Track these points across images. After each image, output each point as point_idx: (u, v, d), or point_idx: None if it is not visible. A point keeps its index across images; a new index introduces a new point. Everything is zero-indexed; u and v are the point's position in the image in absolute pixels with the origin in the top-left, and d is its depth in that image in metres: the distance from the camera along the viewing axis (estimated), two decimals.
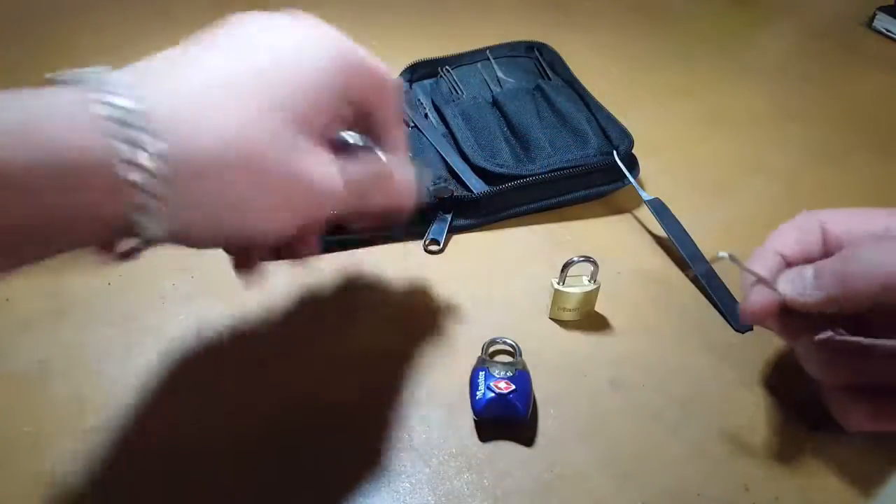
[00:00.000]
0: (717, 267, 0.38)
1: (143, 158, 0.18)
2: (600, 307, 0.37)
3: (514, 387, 0.30)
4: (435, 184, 0.44)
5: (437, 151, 0.46)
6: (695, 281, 0.39)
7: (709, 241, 0.40)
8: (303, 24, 0.25)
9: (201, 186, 0.20)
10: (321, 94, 0.24)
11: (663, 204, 0.42)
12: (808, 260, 0.29)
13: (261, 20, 0.24)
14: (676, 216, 0.41)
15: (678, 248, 0.40)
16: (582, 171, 0.44)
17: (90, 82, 0.19)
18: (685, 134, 0.53)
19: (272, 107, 0.22)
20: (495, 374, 0.31)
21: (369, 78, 0.26)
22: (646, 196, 0.42)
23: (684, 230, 0.41)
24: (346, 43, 0.25)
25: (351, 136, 0.29)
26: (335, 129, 0.27)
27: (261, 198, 0.22)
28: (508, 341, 0.34)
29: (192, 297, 0.37)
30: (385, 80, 0.27)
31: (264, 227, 0.23)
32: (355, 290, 0.38)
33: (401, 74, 0.54)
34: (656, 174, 0.48)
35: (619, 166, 0.43)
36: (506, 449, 0.30)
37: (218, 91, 0.21)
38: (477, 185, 0.43)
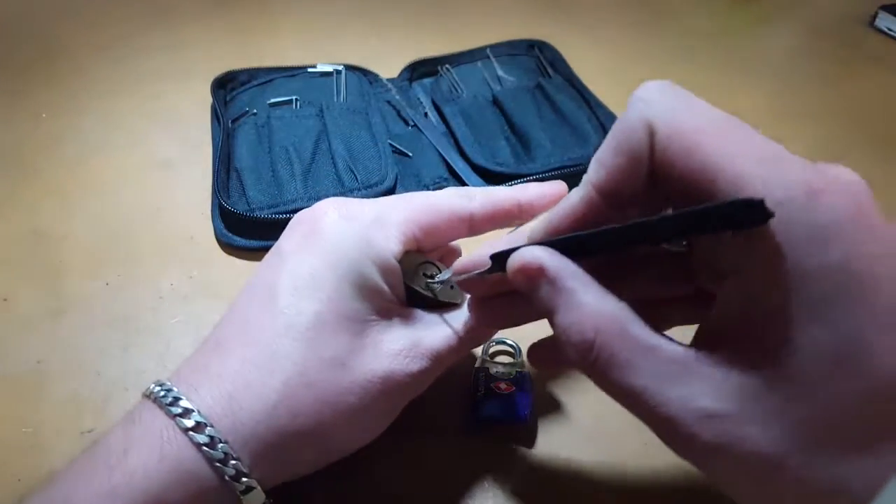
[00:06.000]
0: None
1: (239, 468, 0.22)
2: None
3: (514, 388, 0.30)
4: (435, 183, 0.44)
5: (437, 150, 0.46)
6: None
7: None
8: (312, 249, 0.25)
9: (278, 456, 0.23)
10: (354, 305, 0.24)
11: None
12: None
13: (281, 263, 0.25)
14: None
15: None
16: (582, 170, 0.43)
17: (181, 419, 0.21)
18: None
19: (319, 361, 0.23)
20: (496, 374, 0.31)
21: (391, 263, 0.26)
22: None
23: None
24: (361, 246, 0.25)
25: (421, 286, 0.27)
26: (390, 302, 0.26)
27: (335, 436, 0.24)
28: (509, 342, 0.34)
29: (190, 298, 0.37)
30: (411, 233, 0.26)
31: (350, 447, 0.25)
32: None
33: (401, 73, 0.54)
34: None
35: None
36: (506, 450, 0.30)
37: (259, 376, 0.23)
38: (477, 185, 0.43)
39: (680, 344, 0.19)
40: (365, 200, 0.27)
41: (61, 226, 0.41)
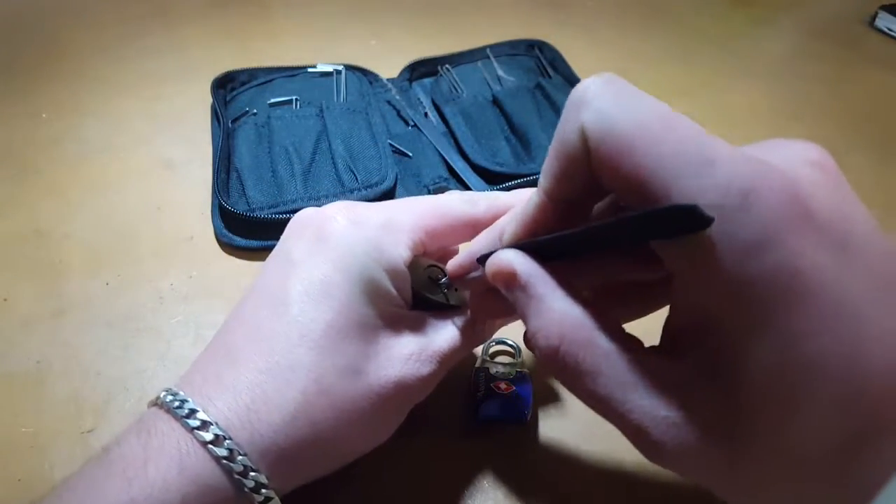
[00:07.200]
0: None
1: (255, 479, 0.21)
2: None
3: (514, 388, 0.30)
4: (435, 183, 0.44)
5: (437, 150, 0.46)
6: None
7: None
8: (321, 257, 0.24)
9: (295, 464, 0.23)
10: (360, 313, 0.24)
11: None
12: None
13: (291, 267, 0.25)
14: None
15: None
16: None
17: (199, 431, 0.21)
18: None
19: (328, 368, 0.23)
20: (496, 374, 0.31)
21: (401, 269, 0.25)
22: None
23: None
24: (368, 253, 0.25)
25: (428, 290, 0.27)
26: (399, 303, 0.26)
27: (346, 440, 0.24)
28: (509, 342, 0.34)
29: (190, 298, 0.37)
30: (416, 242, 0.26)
31: (363, 451, 0.25)
32: None
33: (401, 73, 0.54)
34: None
35: None
36: (506, 450, 0.30)
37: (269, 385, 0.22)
38: (477, 185, 0.43)
39: (645, 350, 0.19)
40: (371, 204, 0.27)
41: (62, 226, 0.41)
